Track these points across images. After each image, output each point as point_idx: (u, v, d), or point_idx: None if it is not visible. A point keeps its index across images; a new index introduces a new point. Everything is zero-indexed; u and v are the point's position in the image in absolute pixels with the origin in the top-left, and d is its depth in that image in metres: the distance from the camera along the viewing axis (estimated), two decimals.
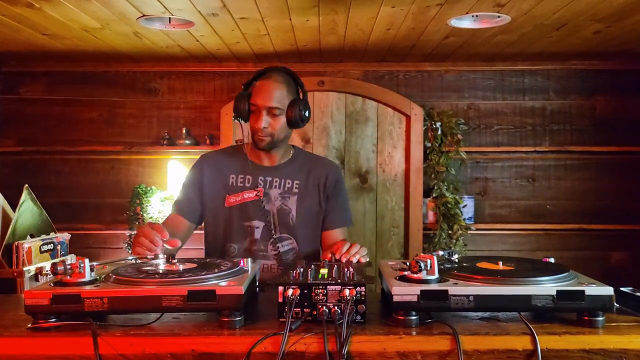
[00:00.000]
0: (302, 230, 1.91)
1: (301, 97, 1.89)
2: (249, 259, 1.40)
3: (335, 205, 1.94)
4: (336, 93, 3.67)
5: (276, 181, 1.91)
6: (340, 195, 1.96)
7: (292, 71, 1.90)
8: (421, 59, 3.64)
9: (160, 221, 3.47)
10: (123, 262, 1.48)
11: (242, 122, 1.86)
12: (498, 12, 2.58)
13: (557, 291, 1.19)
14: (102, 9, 2.50)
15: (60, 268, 1.23)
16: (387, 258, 1.50)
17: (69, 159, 3.78)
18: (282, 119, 1.83)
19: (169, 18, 2.69)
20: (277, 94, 1.81)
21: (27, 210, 2.28)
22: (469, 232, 3.61)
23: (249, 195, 1.90)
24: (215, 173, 1.93)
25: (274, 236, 1.89)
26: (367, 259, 1.63)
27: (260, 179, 1.91)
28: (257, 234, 1.89)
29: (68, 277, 1.24)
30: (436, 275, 1.23)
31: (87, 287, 1.22)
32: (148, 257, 1.47)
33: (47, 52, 3.38)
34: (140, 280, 1.24)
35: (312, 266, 1.41)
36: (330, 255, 1.59)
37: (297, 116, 1.82)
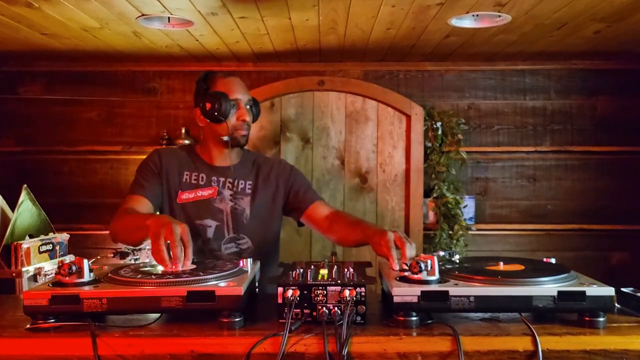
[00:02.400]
0: (256, 229, 1.91)
1: None
2: (249, 260, 1.39)
3: (302, 184, 1.97)
4: (336, 93, 3.66)
5: (229, 182, 1.92)
6: (297, 180, 1.98)
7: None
8: (421, 59, 3.64)
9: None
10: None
11: (215, 122, 1.86)
12: (498, 12, 2.58)
13: (558, 292, 1.18)
14: (101, 8, 2.50)
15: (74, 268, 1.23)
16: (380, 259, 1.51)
17: (68, 159, 3.77)
18: (252, 113, 1.94)
19: (168, 17, 2.68)
20: (247, 88, 1.93)
21: (26, 210, 2.28)
22: (470, 232, 3.60)
23: (203, 193, 1.90)
24: (171, 167, 1.91)
25: (227, 236, 1.89)
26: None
27: (214, 179, 1.92)
28: (210, 233, 1.88)
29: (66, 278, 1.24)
30: (437, 276, 1.23)
31: (86, 288, 1.21)
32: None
33: (47, 52, 3.37)
34: (139, 280, 1.24)
35: (312, 267, 1.40)
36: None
37: (258, 108, 1.97)
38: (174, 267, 1.34)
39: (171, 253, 1.34)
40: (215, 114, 1.82)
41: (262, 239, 1.93)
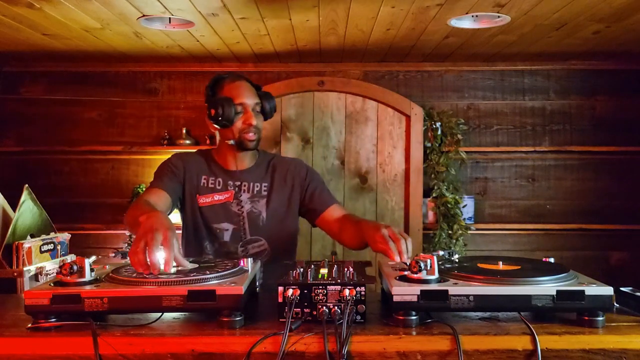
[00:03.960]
0: (272, 231, 1.92)
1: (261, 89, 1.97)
2: (250, 259, 1.40)
3: (317, 187, 1.96)
4: (336, 93, 3.67)
5: (244, 185, 1.93)
6: (314, 181, 1.97)
7: (244, 75, 1.99)
8: (421, 59, 3.65)
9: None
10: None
11: (222, 127, 1.87)
12: (498, 12, 2.58)
13: (557, 291, 1.19)
14: (102, 9, 2.50)
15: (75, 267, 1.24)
16: (387, 258, 1.51)
17: (69, 159, 3.78)
18: (261, 115, 1.92)
19: (169, 18, 2.69)
20: (254, 91, 1.91)
21: (28, 210, 2.28)
22: (469, 232, 3.61)
23: (219, 197, 1.91)
24: (192, 171, 1.93)
25: (244, 238, 1.90)
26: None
27: (230, 183, 1.93)
28: (227, 236, 1.90)
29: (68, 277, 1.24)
30: (436, 275, 1.23)
31: (87, 287, 1.22)
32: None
33: (48, 52, 3.38)
34: (140, 280, 1.24)
35: (312, 266, 1.41)
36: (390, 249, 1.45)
37: (270, 106, 1.92)
38: (147, 271, 1.26)
39: (148, 258, 1.26)
40: (220, 119, 1.83)
41: (279, 240, 1.94)
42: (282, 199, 1.94)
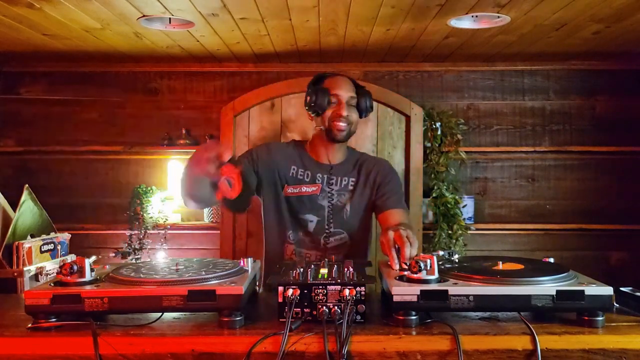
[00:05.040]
0: (354, 225, 2.01)
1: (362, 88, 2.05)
2: (250, 259, 1.40)
3: (386, 190, 2.01)
4: None
5: (333, 179, 2.01)
6: (390, 183, 2.03)
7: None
8: (421, 59, 3.65)
9: (161, 221, 3.54)
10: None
11: (315, 115, 1.99)
12: (498, 13, 2.58)
13: (557, 291, 1.19)
14: (102, 9, 2.51)
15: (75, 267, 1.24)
16: (387, 258, 1.51)
17: (69, 159, 3.78)
18: (356, 110, 1.99)
19: (169, 18, 2.69)
20: (351, 86, 2.00)
21: (28, 210, 2.28)
22: (469, 232, 3.61)
23: (307, 189, 2.00)
24: (280, 161, 2.02)
25: (327, 230, 1.98)
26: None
27: (319, 176, 2.01)
28: (311, 227, 1.99)
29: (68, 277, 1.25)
30: (436, 275, 1.24)
31: (87, 287, 1.22)
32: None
33: (48, 52, 3.38)
34: (140, 280, 1.24)
35: (312, 266, 1.41)
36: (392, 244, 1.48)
37: (366, 104, 2.00)
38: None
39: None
40: (313, 105, 1.95)
41: (359, 234, 2.02)
42: (364, 195, 2.02)
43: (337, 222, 1.99)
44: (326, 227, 1.98)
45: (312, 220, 1.99)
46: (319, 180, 2.01)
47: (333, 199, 1.99)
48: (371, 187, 2.03)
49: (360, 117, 2.02)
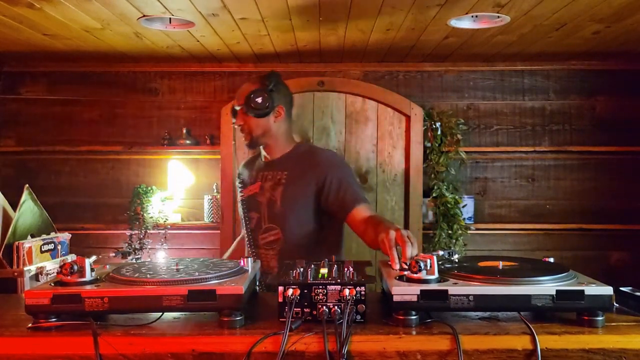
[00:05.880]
0: (287, 221, 1.96)
1: (259, 88, 1.98)
2: (249, 259, 1.40)
3: (340, 187, 1.94)
4: (336, 93, 3.67)
5: (269, 175, 2.03)
6: (341, 177, 1.96)
7: (270, 72, 2.03)
8: (421, 59, 3.65)
9: (161, 221, 3.54)
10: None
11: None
12: (498, 13, 2.58)
13: (557, 291, 1.19)
14: (102, 9, 2.51)
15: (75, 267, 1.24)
16: (387, 258, 1.51)
17: (69, 159, 3.78)
18: (253, 115, 1.97)
19: (170, 18, 2.69)
20: (242, 95, 1.98)
21: (28, 210, 2.28)
22: (469, 232, 3.61)
23: (250, 190, 2.07)
24: (246, 176, 2.14)
25: (263, 226, 2.00)
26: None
27: (260, 175, 2.06)
28: (253, 224, 2.03)
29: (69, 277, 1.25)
30: (436, 275, 1.24)
31: (88, 287, 1.22)
32: None
33: (48, 52, 3.38)
34: (140, 280, 1.24)
35: (312, 266, 1.41)
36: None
37: (255, 104, 1.95)
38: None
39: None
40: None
41: (294, 231, 1.96)
42: (297, 190, 1.98)
43: (270, 217, 1.99)
44: (262, 222, 2.00)
45: (253, 217, 2.03)
46: (259, 179, 2.06)
47: (267, 194, 2.00)
48: (306, 184, 1.96)
49: (262, 116, 1.97)
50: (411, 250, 1.41)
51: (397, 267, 1.39)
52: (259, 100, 1.96)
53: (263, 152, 2.10)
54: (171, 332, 1.18)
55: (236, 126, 2.02)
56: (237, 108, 2.00)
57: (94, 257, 1.31)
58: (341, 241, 2.09)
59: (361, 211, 1.90)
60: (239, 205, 2.12)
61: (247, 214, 2.04)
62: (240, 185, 2.10)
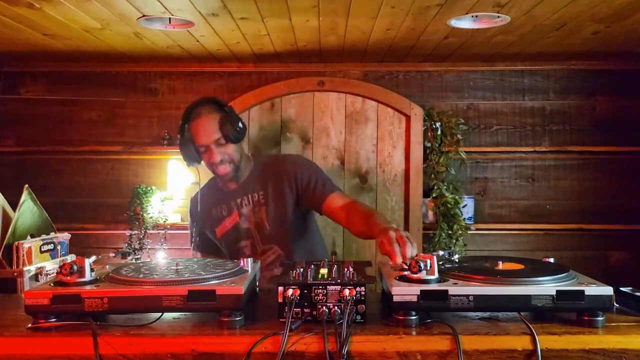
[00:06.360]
0: (279, 236, 1.97)
1: (227, 112, 1.92)
2: (250, 259, 1.40)
3: (311, 181, 1.95)
4: (336, 93, 3.67)
5: (244, 200, 1.99)
6: (310, 174, 1.97)
7: (211, 97, 1.96)
8: (421, 59, 3.65)
9: (161, 221, 3.54)
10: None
11: (197, 165, 1.93)
12: (498, 13, 2.58)
13: (557, 291, 1.19)
14: (102, 9, 2.51)
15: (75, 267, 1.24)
16: (387, 258, 1.51)
17: (69, 159, 3.78)
18: (231, 143, 1.89)
19: (169, 18, 2.69)
20: (213, 126, 1.86)
21: (28, 210, 2.28)
22: (469, 232, 3.61)
23: (228, 223, 2.01)
24: (202, 211, 2.03)
25: (260, 249, 1.97)
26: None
27: (232, 203, 2.00)
28: (247, 251, 1.99)
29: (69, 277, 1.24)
30: (436, 275, 1.24)
31: (87, 287, 1.22)
32: None
33: (48, 52, 3.38)
34: (140, 280, 1.24)
35: (312, 266, 1.41)
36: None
37: (233, 132, 1.86)
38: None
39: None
40: (186, 160, 1.90)
41: (288, 242, 1.98)
42: (279, 202, 1.97)
43: (263, 238, 1.98)
44: (257, 246, 1.99)
45: (245, 245, 2.00)
46: (234, 208, 1.99)
47: (252, 218, 1.98)
48: (283, 196, 1.95)
49: (237, 142, 1.91)
50: (411, 250, 1.42)
51: (399, 261, 1.38)
52: (240, 124, 1.91)
53: (219, 183, 2.04)
54: (171, 332, 1.18)
55: (217, 161, 1.88)
56: (207, 145, 1.88)
57: (93, 257, 1.31)
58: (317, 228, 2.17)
59: (336, 198, 1.90)
60: (219, 243, 2.06)
61: (235, 246, 2.00)
62: (210, 227, 2.04)
